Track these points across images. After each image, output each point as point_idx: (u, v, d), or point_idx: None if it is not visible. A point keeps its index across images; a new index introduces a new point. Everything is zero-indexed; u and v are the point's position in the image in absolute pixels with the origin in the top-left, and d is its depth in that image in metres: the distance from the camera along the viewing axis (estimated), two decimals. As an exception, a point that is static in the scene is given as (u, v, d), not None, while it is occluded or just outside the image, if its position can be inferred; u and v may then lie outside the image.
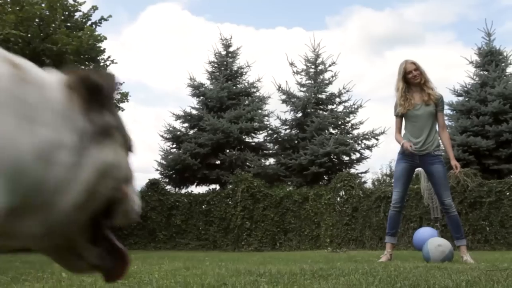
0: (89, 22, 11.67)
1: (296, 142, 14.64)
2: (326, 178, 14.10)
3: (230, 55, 16.48)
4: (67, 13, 11.26)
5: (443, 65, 43.60)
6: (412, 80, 4.85)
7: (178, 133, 15.47)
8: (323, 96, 15.12)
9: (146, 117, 46.90)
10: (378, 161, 46.26)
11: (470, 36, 47.38)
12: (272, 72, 34.86)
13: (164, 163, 14.92)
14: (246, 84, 16.20)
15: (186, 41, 46.41)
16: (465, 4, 43.04)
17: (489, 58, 13.55)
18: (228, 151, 14.75)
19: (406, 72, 4.83)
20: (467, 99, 13.40)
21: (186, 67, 41.05)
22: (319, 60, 15.29)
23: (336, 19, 46.29)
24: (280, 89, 15.07)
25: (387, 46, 47.18)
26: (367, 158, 14.46)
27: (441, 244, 4.67)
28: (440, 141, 5.01)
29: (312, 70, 15.37)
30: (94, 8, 11.66)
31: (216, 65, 16.42)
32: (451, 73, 43.44)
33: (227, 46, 16.55)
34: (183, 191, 14.85)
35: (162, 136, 15.58)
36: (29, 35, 9.95)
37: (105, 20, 11.85)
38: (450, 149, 5.03)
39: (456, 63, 44.62)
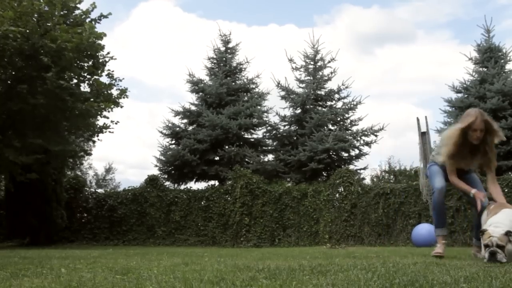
0: (88, 19, 11.62)
1: (295, 138, 14.64)
2: (325, 174, 14.11)
3: (229, 51, 16.47)
4: (66, 10, 11.21)
5: (437, 62, 43.59)
6: (471, 139, 4.15)
7: (177, 129, 15.47)
8: (322, 93, 15.11)
9: (140, 113, 46.97)
10: (377, 158, 46.31)
11: (465, 34, 47.21)
12: (269, 68, 34.83)
13: (163, 159, 14.92)
14: (245, 80, 16.20)
15: (179, 37, 46.40)
16: (460, 3, 43.01)
17: (488, 54, 13.52)
18: (227, 147, 14.76)
19: (472, 128, 4.08)
20: (466, 95, 13.38)
21: (178, 63, 41.01)
22: (318, 57, 15.28)
23: (324, 17, 46.20)
24: (279, 85, 15.06)
25: (377, 43, 47.05)
26: (366, 154, 14.50)
27: None
28: None
29: (311, 66, 15.36)
30: (93, 6, 11.62)
31: (215, 61, 16.41)
32: (446, 71, 43.43)
33: (226, 42, 16.54)
34: (182, 187, 14.89)
35: (161, 132, 15.59)
36: (27, 30, 9.91)
37: (105, 17, 11.81)
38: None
39: (451, 61, 44.55)
